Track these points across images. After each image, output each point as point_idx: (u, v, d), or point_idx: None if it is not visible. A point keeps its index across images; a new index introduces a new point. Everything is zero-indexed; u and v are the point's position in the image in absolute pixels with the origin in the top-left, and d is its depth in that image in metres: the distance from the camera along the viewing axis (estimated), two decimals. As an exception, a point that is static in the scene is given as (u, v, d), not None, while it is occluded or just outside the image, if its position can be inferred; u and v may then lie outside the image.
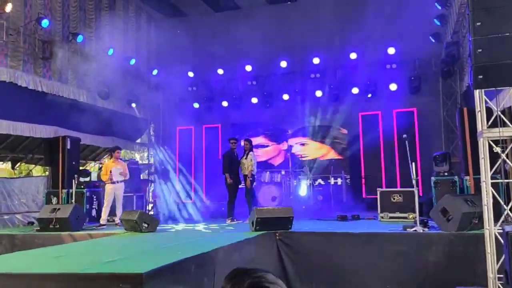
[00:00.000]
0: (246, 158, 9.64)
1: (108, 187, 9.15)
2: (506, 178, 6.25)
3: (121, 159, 9.77)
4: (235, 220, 9.31)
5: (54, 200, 10.11)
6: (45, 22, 9.74)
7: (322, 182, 12.20)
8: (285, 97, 13.61)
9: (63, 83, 11.10)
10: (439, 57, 11.59)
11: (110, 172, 9.10)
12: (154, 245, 5.88)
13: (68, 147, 10.45)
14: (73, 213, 8.11)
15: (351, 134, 13.18)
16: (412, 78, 12.12)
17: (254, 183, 9.82)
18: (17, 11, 9.54)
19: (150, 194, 13.71)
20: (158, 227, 7.96)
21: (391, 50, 12.24)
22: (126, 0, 13.08)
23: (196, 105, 14.37)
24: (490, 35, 4.94)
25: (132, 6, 13.38)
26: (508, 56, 4.91)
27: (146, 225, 7.59)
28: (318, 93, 13.15)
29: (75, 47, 10.56)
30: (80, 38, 10.53)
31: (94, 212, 10.26)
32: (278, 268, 6.85)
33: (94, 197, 10.25)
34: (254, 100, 13.86)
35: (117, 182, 9.13)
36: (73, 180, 9.52)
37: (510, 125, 5.33)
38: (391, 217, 8.60)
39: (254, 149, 12.82)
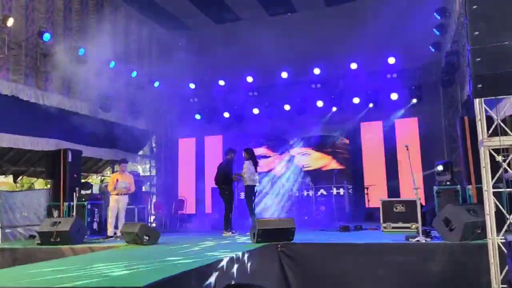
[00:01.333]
0: (243, 169, 9.30)
1: (112, 199, 9.21)
2: (509, 187, 6.19)
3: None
4: (232, 232, 9.10)
5: (55, 213, 10.09)
6: (46, 36, 9.81)
7: (325, 193, 12.14)
8: (287, 107, 13.64)
9: (65, 96, 11.15)
10: (439, 66, 11.61)
11: (117, 182, 9.18)
12: (154, 258, 5.84)
13: (70, 159, 10.46)
14: (74, 226, 8.08)
15: (353, 144, 13.17)
16: (413, 87, 12.14)
17: (255, 195, 9.45)
18: (18, 25, 9.61)
19: (152, 206, 13.68)
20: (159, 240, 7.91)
21: (392, 60, 12.28)
22: (127, 13, 13.17)
23: (197, 117, 14.40)
24: (488, 44, 4.94)
25: (133, 19, 13.48)
26: (507, 64, 4.90)
27: (147, 238, 7.55)
28: (319, 103, 13.17)
29: (76, 60, 10.61)
30: (81, 51, 10.58)
31: (95, 225, 10.24)
32: (280, 280, 6.79)
33: (96, 210, 10.23)
34: (256, 110, 13.90)
35: (121, 194, 9.15)
36: (74, 193, 9.52)
37: (511, 133, 5.30)
38: (393, 227, 8.54)
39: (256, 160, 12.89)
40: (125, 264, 5.34)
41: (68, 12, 11.03)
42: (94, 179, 14.07)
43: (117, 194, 9.20)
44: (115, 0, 12.54)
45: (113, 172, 13.04)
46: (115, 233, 9.23)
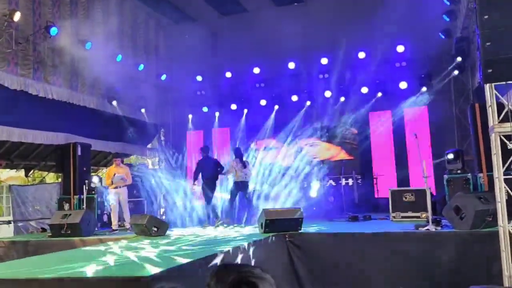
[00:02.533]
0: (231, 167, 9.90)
1: (111, 192, 9.30)
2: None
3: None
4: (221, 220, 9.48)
5: (66, 206, 10.18)
6: (53, 30, 9.83)
7: (333, 183, 12.07)
8: (294, 98, 13.55)
9: (73, 90, 11.22)
10: (449, 53, 11.42)
11: (113, 175, 9.22)
12: (162, 248, 5.86)
13: (79, 153, 10.54)
14: (84, 219, 8.17)
15: (362, 133, 13.05)
16: (423, 75, 11.97)
17: (249, 192, 9.89)
18: (25, 20, 9.65)
19: (162, 198, 13.72)
20: (167, 231, 7.95)
21: (400, 48, 12.13)
22: (133, 6, 13.16)
23: (205, 109, 14.38)
24: (498, 28, 4.83)
25: (140, 12, 13.47)
26: (517, 48, 4.80)
27: (155, 229, 7.59)
28: (327, 94, 13.05)
29: (84, 54, 10.65)
30: (89, 45, 10.61)
31: (105, 218, 10.32)
32: (289, 270, 6.78)
33: (106, 202, 10.30)
34: (263, 102, 13.84)
35: (119, 187, 9.21)
36: (84, 186, 9.60)
37: (522, 119, 5.20)
38: (403, 217, 8.47)
39: (264, 152, 12.90)
40: (133, 254, 5.37)
41: (75, 6, 11.06)
42: (103, 173, 14.15)
43: (115, 188, 9.24)
44: (121, -7, 12.54)
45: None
46: (122, 225, 9.32)
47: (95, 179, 10.41)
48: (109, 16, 12.07)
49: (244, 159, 10.13)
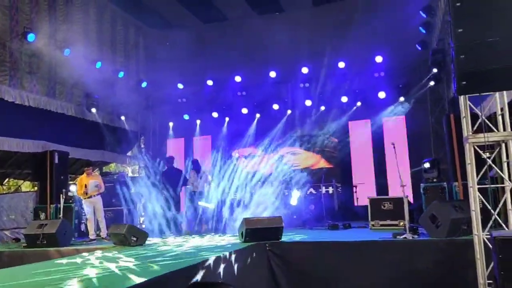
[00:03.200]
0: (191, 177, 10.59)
1: (86, 202, 9.14)
2: (493, 184, 6.25)
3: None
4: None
5: (42, 215, 9.98)
6: (31, 36, 9.69)
7: (314, 191, 12.14)
8: (275, 106, 13.64)
9: (51, 97, 11.04)
10: (426, 64, 11.68)
11: (85, 186, 9.05)
12: (141, 259, 5.80)
13: (56, 161, 10.36)
14: (60, 229, 8.02)
15: (341, 142, 13.21)
16: (400, 86, 12.20)
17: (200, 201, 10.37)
18: (2, 26, 9.49)
19: (141, 207, 13.57)
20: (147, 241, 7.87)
21: (379, 59, 12.33)
22: (113, 13, 13.06)
23: (186, 117, 14.35)
24: (472, 41, 4.96)
25: (120, 19, 13.37)
26: (490, 61, 4.93)
27: (135, 239, 7.51)
28: (308, 102, 13.19)
29: (62, 60, 10.51)
30: (67, 52, 10.49)
31: (83, 227, 10.15)
32: (269, 280, 6.79)
33: (83, 211, 10.13)
34: (244, 110, 13.88)
35: (93, 196, 9.10)
36: (61, 195, 9.42)
37: (495, 130, 5.35)
38: (382, 225, 8.59)
39: (245, 159, 12.93)
40: (111, 265, 5.29)
41: (53, 12, 10.90)
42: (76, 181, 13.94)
43: (89, 197, 9.10)
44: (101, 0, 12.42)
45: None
46: (98, 235, 9.17)
47: (72, 188, 10.24)
48: (89, 23, 11.97)
49: (203, 170, 10.82)
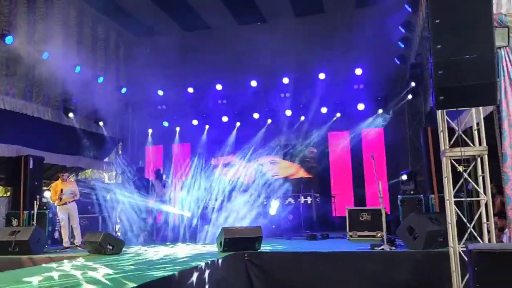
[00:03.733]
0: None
1: (61, 209, 8.94)
2: (469, 197, 6.38)
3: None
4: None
5: (14, 222, 9.71)
6: (9, 39, 9.49)
7: (292, 201, 12.17)
8: (256, 115, 13.67)
9: (27, 101, 10.80)
10: (404, 78, 11.92)
11: (61, 192, 8.86)
12: (116, 268, 5.68)
13: (31, 166, 10.12)
14: (33, 236, 7.82)
15: (320, 153, 13.31)
16: (379, 98, 12.40)
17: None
18: (-21, 27, 9.27)
19: (117, 215, 13.35)
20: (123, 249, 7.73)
21: (359, 71, 12.51)
22: (94, 17, 12.90)
23: (165, 124, 14.23)
24: (450, 58, 5.08)
25: (101, 24, 13.22)
26: (467, 78, 5.05)
27: (110, 247, 7.36)
28: (288, 112, 13.28)
29: (40, 64, 10.31)
30: (45, 55, 10.30)
31: (57, 234, 9.90)
32: (247, 290, 6.74)
33: (57, 218, 9.90)
34: (225, 118, 13.87)
35: (68, 202, 8.91)
36: (35, 201, 9.19)
37: (472, 144, 5.48)
38: (359, 236, 8.65)
39: (224, 167, 12.90)
40: (86, 274, 5.17)
41: (33, 15, 10.69)
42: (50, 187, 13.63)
43: (64, 204, 8.91)
44: (82, 4, 12.25)
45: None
46: (72, 243, 8.96)
47: (47, 194, 9.99)
48: (69, 27, 11.79)
49: (164, 178, 11.46)
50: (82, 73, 11.50)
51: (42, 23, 10.88)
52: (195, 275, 5.33)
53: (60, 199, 8.86)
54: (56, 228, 9.97)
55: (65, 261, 6.82)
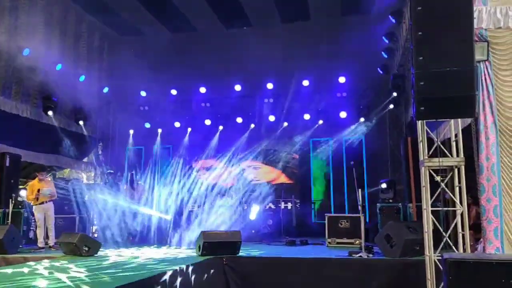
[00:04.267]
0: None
1: (37, 209, 8.77)
2: (446, 206, 6.50)
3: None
4: None
5: (-12, 220, 9.45)
6: (-11, 34, 9.29)
7: (273, 206, 12.19)
8: (239, 120, 13.67)
9: (6, 97, 10.57)
10: (386, 88, 12.08)
11: (38, 191, 8.69)
12: (93, 271, 5.59)
13: (7, 164, 9.88)
14: (7, 235, 7.64)
15: (302, 159, 13.38)
16: (361, 107, 12.54)
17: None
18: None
19: (95, 216, 13.14)
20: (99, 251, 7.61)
21: (342, 79, 12.64)
22: (78, 16, 12.72)
23: (147, 125, 14.11)
24: (431, 69, 5.19)
25: (84, 23, 13.03)
26: (448, 90, 5.16)
27: (86, 249, 7.25)
28: (271, 118, 13.33)
29: (21, 60, 10.10)
30: (26, 51, 10.11)
31: (32, 234, 9.70)
32: (225, 294, 6.71)
33: (33, 218, 9.69)
34: (208, 122, 13.84)
35: (45, 202, 8.76)
36: (10, 200, 8.99)
37: (449, 155, 5.59)
38: (338, 243, 8.71)
39: (205, 171, 12.88)
40: (60, 277, 5.07)
41: (15, 11, 10.48)
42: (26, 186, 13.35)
43: (41, 203, 8.75)
44: (66, 1, 12.08)
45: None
46: (46, 243, 8.79)
47: (23, 193, 9.78)
48: (51, 24, 11.57)
49: (140, 182, 11.56)
50: (63, 71, 11.32)
51: (24, 19, 10.67)
52: (173, 278, 5.28)
53: (37, 198, 8.69)
54: (31, 228, 9.77)
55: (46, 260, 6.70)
